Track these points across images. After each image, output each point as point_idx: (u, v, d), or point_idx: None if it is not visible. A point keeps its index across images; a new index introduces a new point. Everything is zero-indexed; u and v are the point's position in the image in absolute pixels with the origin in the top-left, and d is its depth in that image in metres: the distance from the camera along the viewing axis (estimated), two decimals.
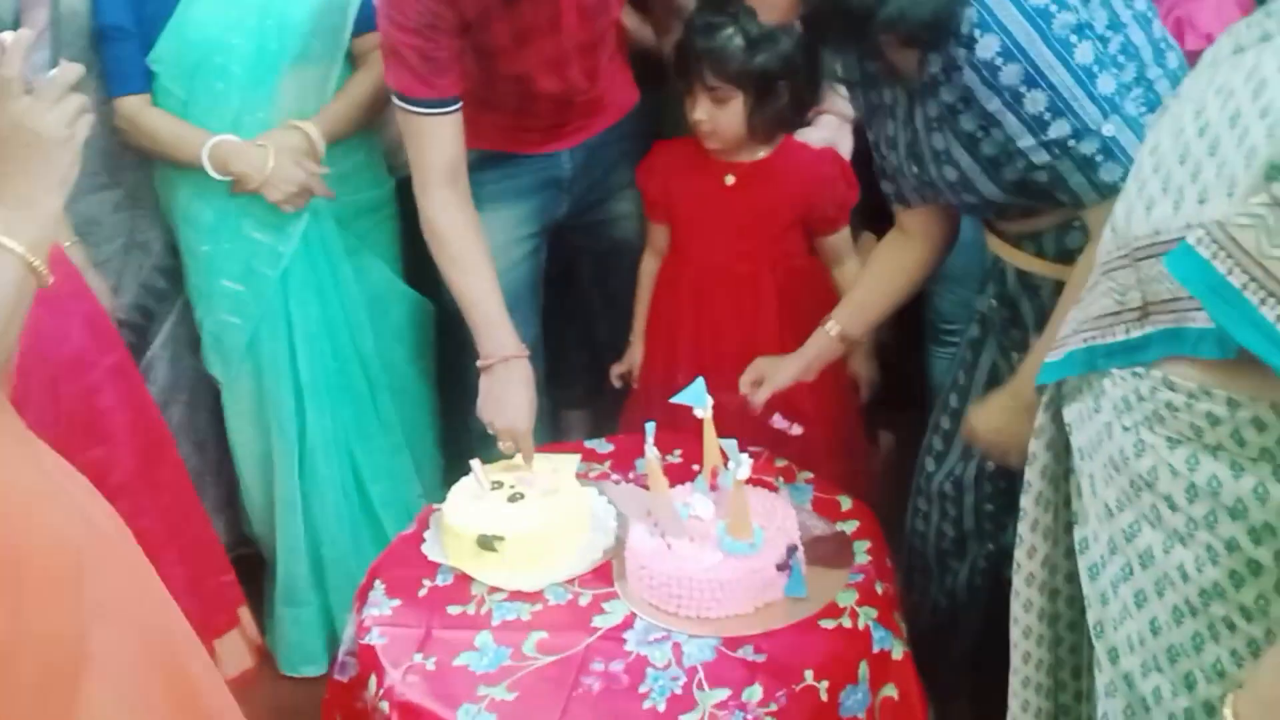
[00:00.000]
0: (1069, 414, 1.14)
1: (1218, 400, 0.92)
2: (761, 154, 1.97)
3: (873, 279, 1.79)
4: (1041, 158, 1.32)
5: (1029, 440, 1.29)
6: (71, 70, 1.19)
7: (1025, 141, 1.31)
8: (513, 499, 1.68)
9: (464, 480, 1.74)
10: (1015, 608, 1.27)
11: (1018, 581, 1.26)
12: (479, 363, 1.87)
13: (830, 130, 2.00)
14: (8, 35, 1.17)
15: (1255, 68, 0.92)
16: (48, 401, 1.60)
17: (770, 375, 1.83)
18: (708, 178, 1.98)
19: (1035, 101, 1.27)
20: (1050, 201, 1.42)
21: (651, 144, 2.16)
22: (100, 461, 1.67)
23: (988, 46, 1.26)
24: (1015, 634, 1.28)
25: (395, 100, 1.82)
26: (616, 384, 2.16)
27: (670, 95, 2.26)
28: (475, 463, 1.73)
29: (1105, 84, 1.26)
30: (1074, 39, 1.25)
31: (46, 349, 1.59)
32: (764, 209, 1.97)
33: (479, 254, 1.87)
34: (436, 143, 1.83)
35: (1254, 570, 0.92)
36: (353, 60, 2.06)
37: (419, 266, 2.25)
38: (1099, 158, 1.29)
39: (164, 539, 1.79)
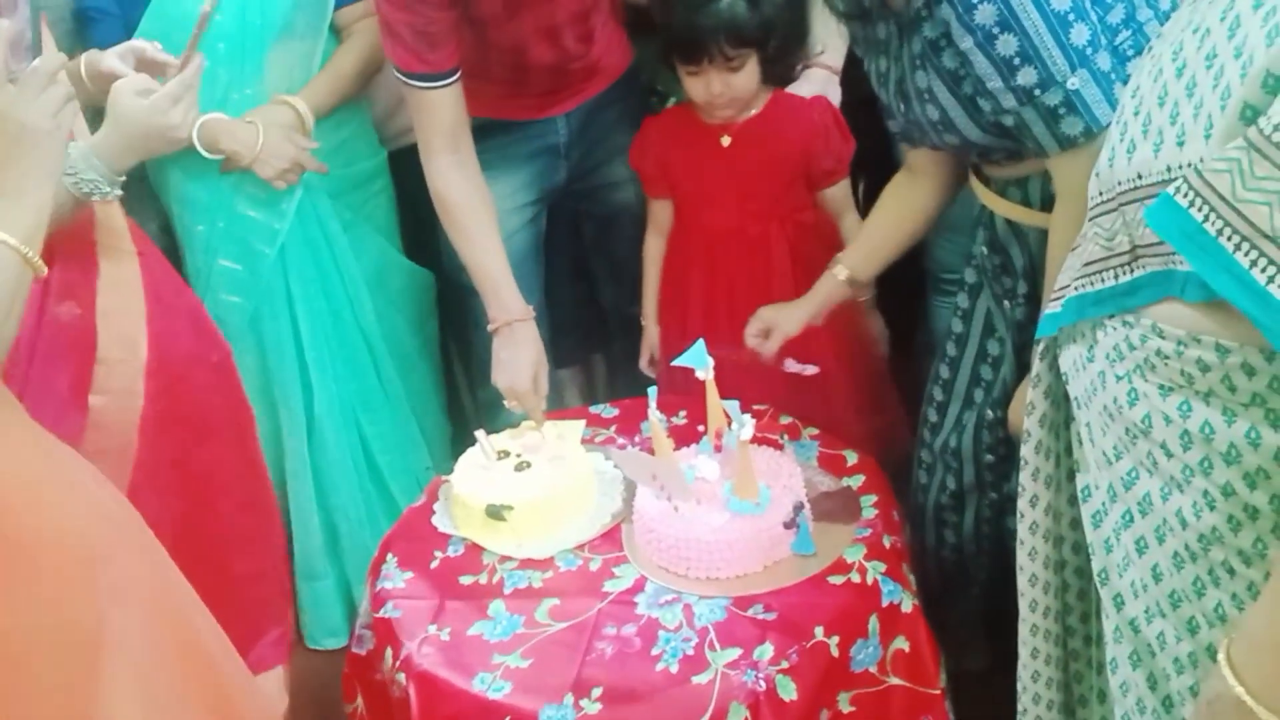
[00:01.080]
0: (1064, 362, 1.14)
1: (1206, 346, 0.92)
2: (753, 111, 1.94)
3: (881, 220, 1.77)
4: (1009, 102, 1.31)
5: None
6: (55, 59, 1.18)
7: (994, 84, 1.31)
8: (519, 467, 1.69)
9: (470, 450, 1.75)
10: (1021, 556, 1.28)
11: (1022, 530, 1.26)
12: (488, 326, 1.88)
13: (819, 83, 1.97)
14: (3, 23, 1.17)
15: (1230, 4, 0.90)
16: (169, 403, 1.63)
17: (778, 323, 1.82)
18: (704, 143, 1.95)
19: (1006, 44, 1.27)
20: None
21: (647, 100, 2.14)
22: (210, 460, 1.71)
23: None
24: (1022, 582, 1.29)
25: (395, 73, 1.83)
26: (649, 373, 2.13)
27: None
28: (480, 433, 1.73)
29: (1078, 34, 1.25)
30: None
31: (164, 350, 1.62)
32: (765, 164, 1.94)
33: (483, 219, 1.89)
34: (436, 113, 1.84)
35: (1251, 515, 0.93)
36: (338, 32, 2.05)
37: (416, 237, 2.26)
38: (1061, 110, 1.29)
39: (267, 530, 1.83)
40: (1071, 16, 1.24)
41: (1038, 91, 1.28)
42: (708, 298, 2.02)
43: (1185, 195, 0.88)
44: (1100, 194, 1.08)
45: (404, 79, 1.82)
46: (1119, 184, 1.02)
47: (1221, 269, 0.84)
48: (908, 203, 1.74)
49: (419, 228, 2.26)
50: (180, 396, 1.66)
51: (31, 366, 1.51)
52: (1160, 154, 0.95)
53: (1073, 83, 1.26)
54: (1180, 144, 0.92)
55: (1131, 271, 1.03)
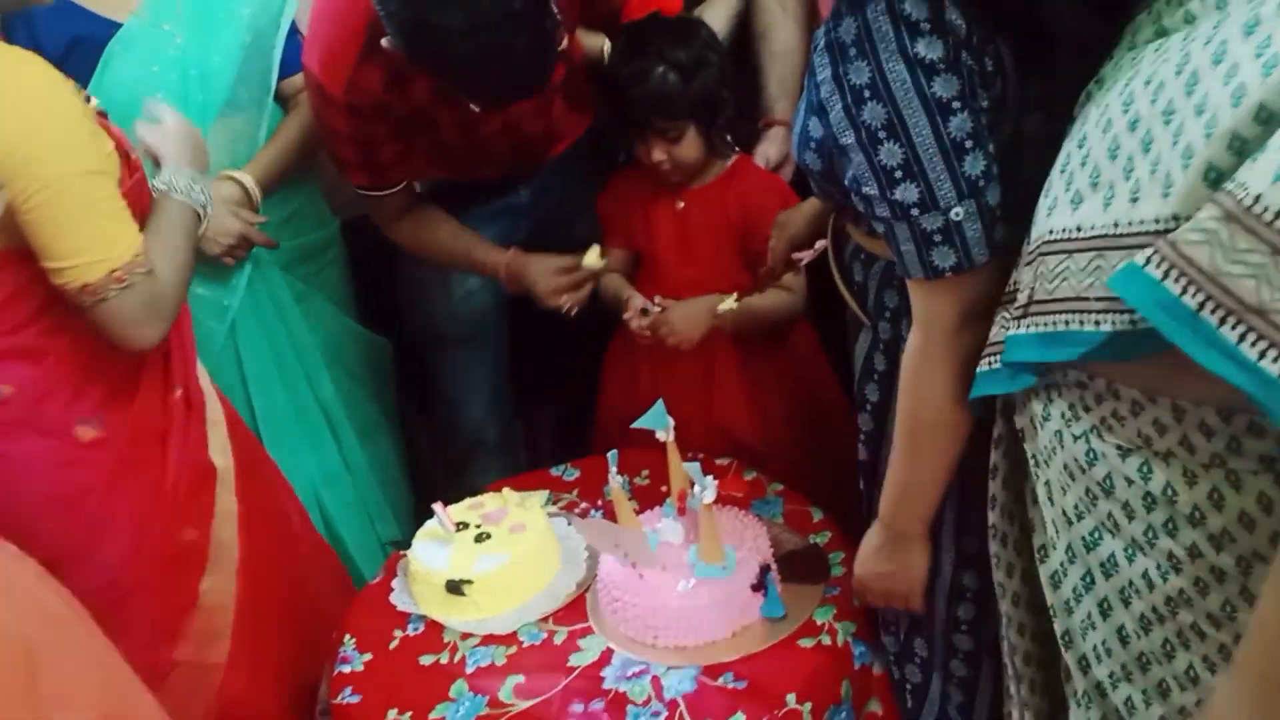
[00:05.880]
0: (1020, 420, 1.11)
1: (1162, 407, 0.90)
2: (712, 177, 1.94)
3: None
4: (883, 211, 1.18)
5: (921, 575, 1.29)
6: None
7: (870, 189, 1.18)
8: (479, 539, 1.65)
9: (429, 523, 1.71)
10: (1006, 631, 1.23)
11: (1004, 606, 1.22)
12: (502, 277, 1.95)
13: (779, 143, 1.97)
14: None
15: (1185, 59, 0.88)
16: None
17: (786, 222, 1.72)
18: (661, 204, 1.94)
19: (890, 154, 1.14)
20: None
21: (609, 158, 2.13)
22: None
23: (860, 71, 1.13)
24: (1005, 652, 1.24)
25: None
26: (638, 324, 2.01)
27: None
28: (438, 506, 1.69)
29: (974, 164, 1.13)
30: (955, 105, 1.12)
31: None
32: (710, 234, 1.93)
33: (434, 212, 1.96)
34: (389, 207, 1.91)
35: (1218, 577, 0.90)
36: (283, 103, 2.03)
37: (370, 305, 2.23)
38: (937, 237, 1.16)
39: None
40: (969, 144, 1.13)
41: (915, 211, 1.15)
42: (652, 356, 1.98)
43: (1158, 266, 0.83)
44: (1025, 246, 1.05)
45: (357, 190, 1.87)
46: (1050, 233, 0.99)
47: (1207, 344, 0.79)
48: None
49: (373, 294, 2.23)
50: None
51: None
52: (1110, 208, 0.92)
53: (956, 213, 1.14)
54: (1134, 200, 0.89)
55: (1018, 326, 1.00)
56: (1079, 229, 0.95)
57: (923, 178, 1.13)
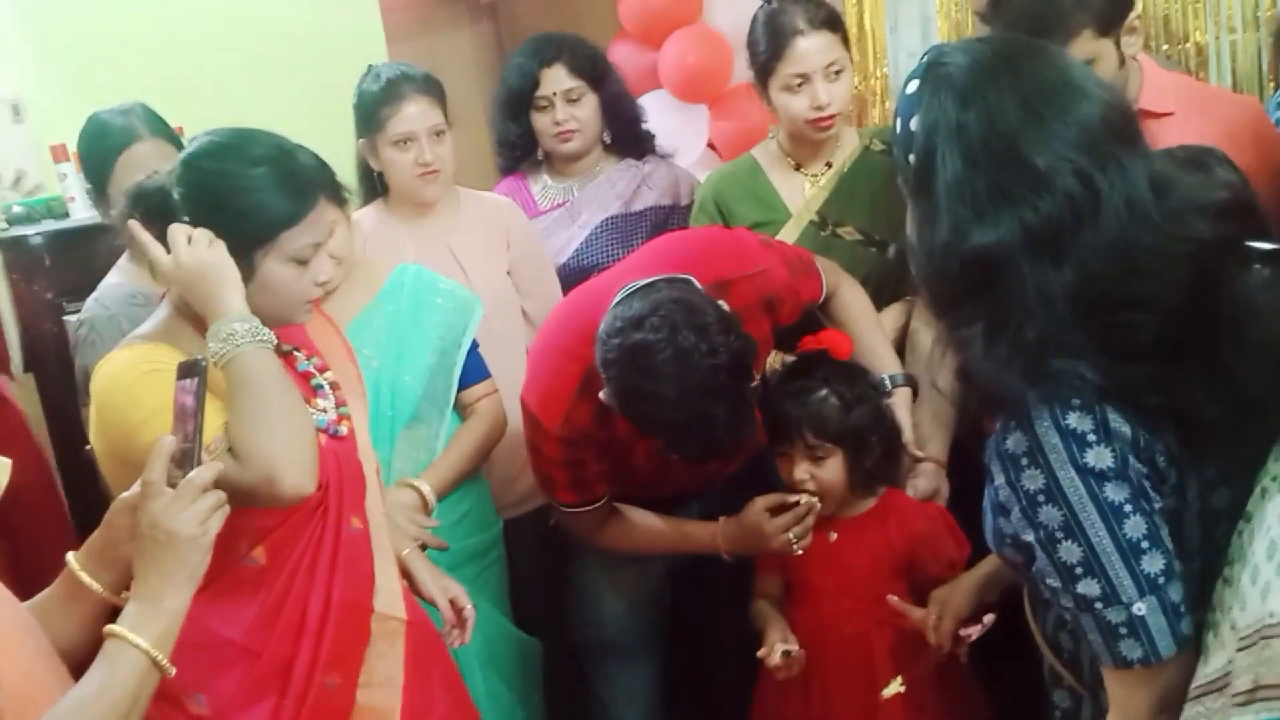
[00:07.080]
0: None
1: None
2: (864, 508, 1.96)
3: None
4: (1066, 602, 1.23)
5: None
6: (210, 471, 1.27)
7: (1053, 582, 1.22)
8: None
9: None
10: None
11: None
12: (720, 544, 1.95)
13: (930, 478, 2.00)
14: (166, 439, 1.26)
15: None
16: None
17: (949, 600, 1.76)
18: (813, 534, 1.93)
19: (1069, 551, 1.19)
20: None
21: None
22: None
23: (1034, 478, 1.19)
24: None
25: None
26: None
27: None
28: None
29: (1152, 563, 1.17)
30: (1128, 508, 1.17)
31: None
32: (870, 563, 1.93)
33: (631, 511, 2.01)
34: (593, 519, 1.99)
35: None
36: (460, 410, 2.14)
37: (525, 606, 2.27)
38: (1123, 630, 1.19)
39: None
40: (1146, 544, 1.17)
41: (1099, 605, 1.19)
42: (804, 691, 1.94)
43: None
44: (1245, 627, 1.05)
45: (562, 508, 1.97)
46: (1271, 616, 0.99)
47: None
48: None
49: (526, 595, 2.28)
50: None
51: None
52: None
53: (1139, 608, 1.17)
54: None
55: (1241, 714, 0.99)
56: None
57: (1103, 575, 1.18)
